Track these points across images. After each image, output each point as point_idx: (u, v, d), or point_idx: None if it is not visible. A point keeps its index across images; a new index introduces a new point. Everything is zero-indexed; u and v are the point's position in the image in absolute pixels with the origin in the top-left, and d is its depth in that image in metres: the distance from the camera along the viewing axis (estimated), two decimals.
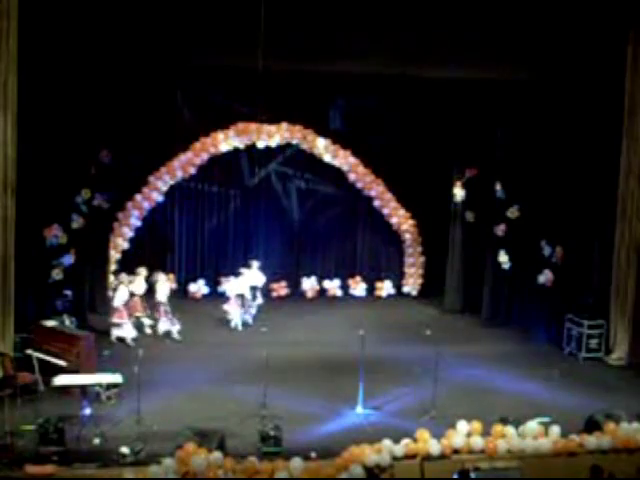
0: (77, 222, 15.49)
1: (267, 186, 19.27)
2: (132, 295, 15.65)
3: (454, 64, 14.97)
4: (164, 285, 16.05)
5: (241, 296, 16.57)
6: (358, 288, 20.05)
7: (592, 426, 11.55)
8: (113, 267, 18.12)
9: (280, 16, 13.41)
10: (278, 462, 10.23)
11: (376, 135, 18.93)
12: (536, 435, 11.17)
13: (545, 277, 16.53)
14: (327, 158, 19.14)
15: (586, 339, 15.53)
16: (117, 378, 12.02)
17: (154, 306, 15.88)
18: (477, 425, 11.18)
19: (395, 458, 10.56)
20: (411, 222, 19.99)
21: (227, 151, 18.51)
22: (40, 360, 12.44)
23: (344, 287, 20.00)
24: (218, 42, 14.18)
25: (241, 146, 18.44)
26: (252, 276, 16.95)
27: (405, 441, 10.81)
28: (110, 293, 16.08)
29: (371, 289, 20.12)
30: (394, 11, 14.18)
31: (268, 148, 18.57)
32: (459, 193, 18.21)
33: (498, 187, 17.25)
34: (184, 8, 13.75)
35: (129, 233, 18.19)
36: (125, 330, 15.25)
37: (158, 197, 18.33)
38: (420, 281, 20.33)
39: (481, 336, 16.91)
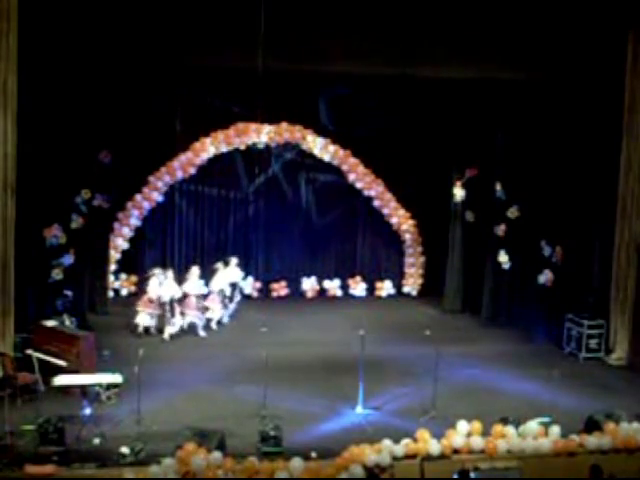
0: (77, 222, 15.49)
1: (267, 186, 19.27)
2: (186, 295, 15.86)
3: (454, 64, 14.97)
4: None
5: (222, 292, 16.54)
6: (358, 288, 20.05)
7: (592, 426, 11.55)
8: (113, 267, 18.17)
9: (280, 16, 13.42)
10: (278, 462, 10.23)
11: (376, 135, 18.91)
12: (536, 435, 11.17)
13: (545, 277, 16.53)
14: (327, 158, 19.16)
15: (586, 339, 15.53)
16: (117, 378, 12.01)
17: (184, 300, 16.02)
18: (477, 425, 11.18)
19: (395, 458, 10.56)
20: (411, 222, 20.00)
21: (227, 152, 18.54)
22: (40, 360, 12.42)
23: (344, 287, 20.00)
24: (218, 42, 14.17)
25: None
26: (231, 273, 16.84)
27: (405, 441, 10.81)
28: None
29: (371, 289, 20.13)
30: (394, 11, 14.17)
31: (267, 152, 18.55)
32: (459, 193, 18.21)
33: (498, 187, 17.25)
34: (184, 8, 13.74)
35: (129, 233, 18.22)
36: (147, 320, 15.60)
37: (158, 197, 18.35)
38: (420, 281, 20.33)
39: (481, 336, 16.91)
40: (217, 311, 16.54)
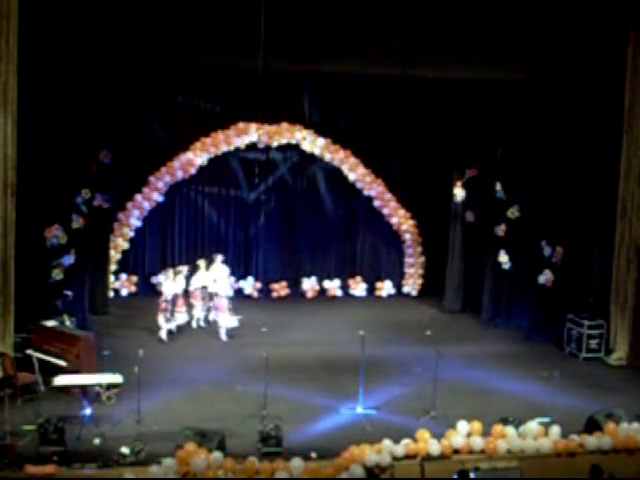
0: (77, 222, 15.48)
1: (267, 187, 19.28)
2: (216, 294, 16.00)
3: (454, 64, 14.97)
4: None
5: (205, 289, 16.42)
6: (358, 288, 20.05)
7: (592, 426, 11.55)
8: (113, 267, 18.17)
9: (280, 16, 13.41)
10: (278, 462, 10.22)
11: (376, 135, 18.92)
12: (536, 435, 11.16)
13: (545, 277, 16.53)
14: (327, 158, 19.17)
15: (586, 339, 15.54)
16: (117, 378, 12.01)
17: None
18: (477, 425, 11.17)
19: (395, 458, 10.55)
20: (411, 222, 20.01)
21: (228, 152, 18.56)
22: (40, 360, 12.44)
23: (344, 287, 20.01)
24: (218, 42, 14.17)
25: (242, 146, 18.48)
26: (216, 270, 16.58)
27: (405, 441, 10.81)
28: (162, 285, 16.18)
29: (371, 289, 20.14)
30: (394, 11, 14.17)
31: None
32: (459, 193, 18.20)
33: (498, 187, 17.24)
34: (184, 9, 13.74)
35: (129, 233, 18.23)
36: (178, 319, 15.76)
37: (158, 197, 18.35)
38: (420, 281, 20.34)
39: (481, 336, 16.91)
40: (199, 309, 16.41)
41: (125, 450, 10.38)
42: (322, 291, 19.87)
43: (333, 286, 19.92)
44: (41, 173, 14.23)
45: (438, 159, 18.59)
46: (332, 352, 15.13)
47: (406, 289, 20.33)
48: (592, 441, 11.10)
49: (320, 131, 18.91)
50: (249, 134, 18.36)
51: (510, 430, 11.16)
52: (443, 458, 10.75)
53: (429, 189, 19.15)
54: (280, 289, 19.48)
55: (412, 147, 18.96)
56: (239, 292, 18.85)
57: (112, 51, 14.07)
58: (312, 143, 18.89)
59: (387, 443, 10.67)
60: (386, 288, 20.17)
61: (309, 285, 19.75)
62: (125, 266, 18.59)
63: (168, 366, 14.02)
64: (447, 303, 18.86)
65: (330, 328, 16.91)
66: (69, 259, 15.33)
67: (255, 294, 19.27)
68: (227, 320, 15.82)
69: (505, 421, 11.41)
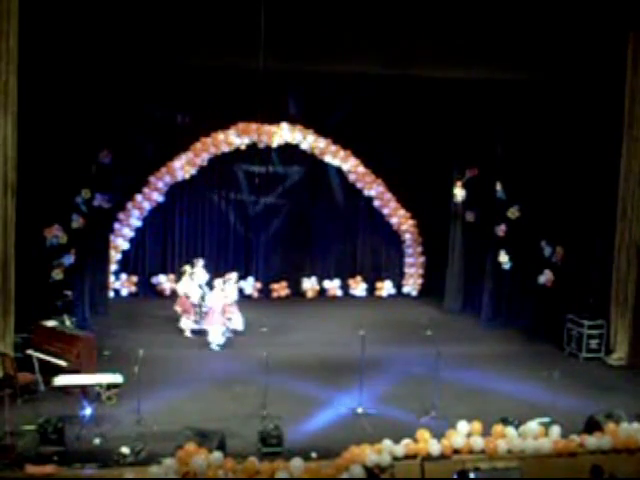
0: (77, 222, 15.48)
1: (267, 188, 19.29)
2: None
3: (454, 64, 14.96)
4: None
5: (189, 296, 16.22)
6: (358, 288, 20.05)
7: (592, 426, 11.54)
8: (113, 267, 18.16)
9: (280, 16, 13.40)
10: (278, 462, 10.22)
11: (376, 135, 18.91)
12: (536, 435, 11.16)
13: (545, 277, 16.54)
14: (327, 158, 19.16)
15: (586, 339, 15.54)
16: (117, 378, 12.03)
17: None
18: (477, 425, 11.18)
19: (395, 458, 10.55)
20: (411, 222, 20.00)
21: (228, 152, 18.56)
22: (40, 360, 12.45)
23: (344, 287, 20.00)
24: (218, 42, 14.17)
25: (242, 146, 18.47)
26: (198, 275, 16.48)
27: (405, 441, 10.81)
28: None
29: (371, 289, 20.13)
30: (394, 11, 14.17)
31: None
32: (459, 193, 18.21)
33: (498, 187, 17.23)
34: (184, 8, 13.74)
35: (129, 233, 18.22)
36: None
37: (158, 197, 18.35)
38: (420, 281, 20.34)
39: (481, 336, 16.90)
40: (187, 315, 16.13)
41: (125, 450, 10.39)
42: (322, 291, 19.87)
43: (333, 286, 19.91)
44: (41, 173, 14.22)
45: (438, 159, 18.58)
46: (332, 352, 15.13)
47: (406, 289, 20.32)
48: (592, 441, 11.10)
49: (320, 131, 18.89)
50: (249, 134, 18.35)
51: (510, 430, 11.16)
52: (443, 458, 10.75)
53: (429, 189, 19.14)
54: (280, 289, 19.47)
55: (412, 147, 18.94)
56: (239, 292, 18.83)
57: (112, 51, 14.05)
58: (312, 143, 18.89)
59: (387, 443, 10.67)
60: (386, 288, 20.16)
61: (309, 285, 19.75)
62: (125, 266, 18.59)
63: (168, 366, 14.01)
64: (447, 303, 18.85)
65: (330, 328, 16.90)
66: (69, 259, 15.33)
67: (255, 294, 19.26)
68: (216, 335, 15.29)
69: (505, 421, 11.41)
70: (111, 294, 17.99)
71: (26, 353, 12.86)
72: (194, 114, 18.08)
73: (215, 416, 11.87)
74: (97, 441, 10.83)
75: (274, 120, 18.17)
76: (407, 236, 20.13)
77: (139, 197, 18.18)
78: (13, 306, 13.40)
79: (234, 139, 18.38)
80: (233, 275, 16.38)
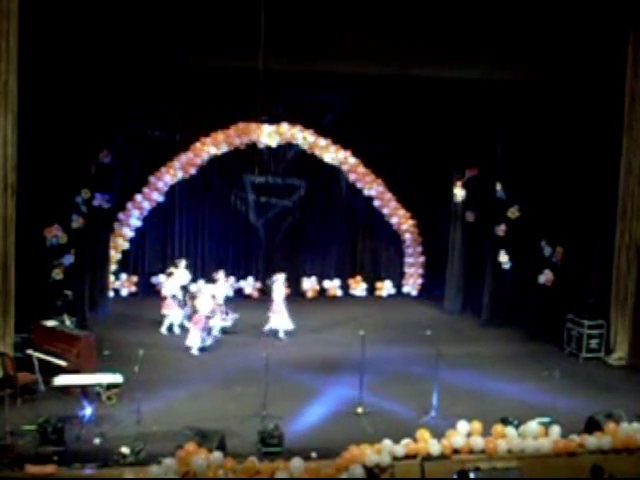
0: (77, 222, 15.49)
1: (267, 187, 19.30)
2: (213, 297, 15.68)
3: (454, 64, 14.97)
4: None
5: (175, 296, 16.10)
6: (358, 288, 20.05)
7: (592, 426, 11.54)
8: (113, 267, 18.16)
9: (280, 16, 13.40)
10: (278, 462, 10.22)
11: (376, 135, 18.91)
12: (536, 435, 11.16)
13: (545, 277, 16.54)
14: (327, 158, 19.16)
15: (586, 339, 15.53)
16: (117, 378, 12.03)
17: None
18: (477, 425, 11.17)
19: (395, 458, 10.55)
20: (411, 222, 20.00)
21: (228, 152, 18.57)
22: (40, 360, 12.43)
23: (344, 287, 20.00)
24: (218, 42, 14.17)
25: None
26: (180, 275, 16.33)
27: (405, 441, 10.81)
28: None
29: (371, 289, 20.14)
30: (394, 11, 14.17)
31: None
32: (459, 193, 18.21)
33: (498, 187, 17.24)
34: (184, 8, 13.74)
35: (129, 233, 18.22)
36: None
37: (158, 197, 18.35)
38: (420, 281, 20.34)
39: (481, 336, 16.90)
40: (176, 315, 16.02)
41: (125, 450, 10.38)
42: (322, 291, 19.87)
43: (333, 286, 19.91)
44: (41, 173, 14.24)
45: (438, 159, 18.58)
46: (332, 352, 15.12)
47: (406, 289, 20.33)
48: (592, 441, 11.09)
49: (320, 131, 18.89)
50: (249, 134, 18.35)
51: (510, 430, 11.16)
52: (443, 458, 10.75)
53: (429, 189, 19.15)
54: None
55: (412, 147, 18.94)
56: (239, 292, 18.87)
57: (112, 51, 14.06)
58: (312, 143, 18.88)
59: (387, 443, 10.66)
60: (386, 288, 20.17)
61: (309, 285, 19.75)
62: (125, 266, 18.59)
63: (168, 366, 14.01)
64: (447, 303, 18.85)
65: (330, 328, 16.90)
66: (69, 259, 15.34)
67: (255, 294, 19.26)
68: (195, 340, 14.96)
69: (505, 421, 11.41)
70: (111, 294, 18.00)
71: (26, 353, 12.85)
72: (194, 114, 18.06)
73: (215, 416, 11.87)
74: (97, 441, 10.82)
75: (274, 120, 18.17)
76: (407, 236, 20.13)
77: (139, 197, 18.18)
78: (13, 306, 13.40)
79: (234, 139, 18.39)
80: (220, 274, 16.21)
